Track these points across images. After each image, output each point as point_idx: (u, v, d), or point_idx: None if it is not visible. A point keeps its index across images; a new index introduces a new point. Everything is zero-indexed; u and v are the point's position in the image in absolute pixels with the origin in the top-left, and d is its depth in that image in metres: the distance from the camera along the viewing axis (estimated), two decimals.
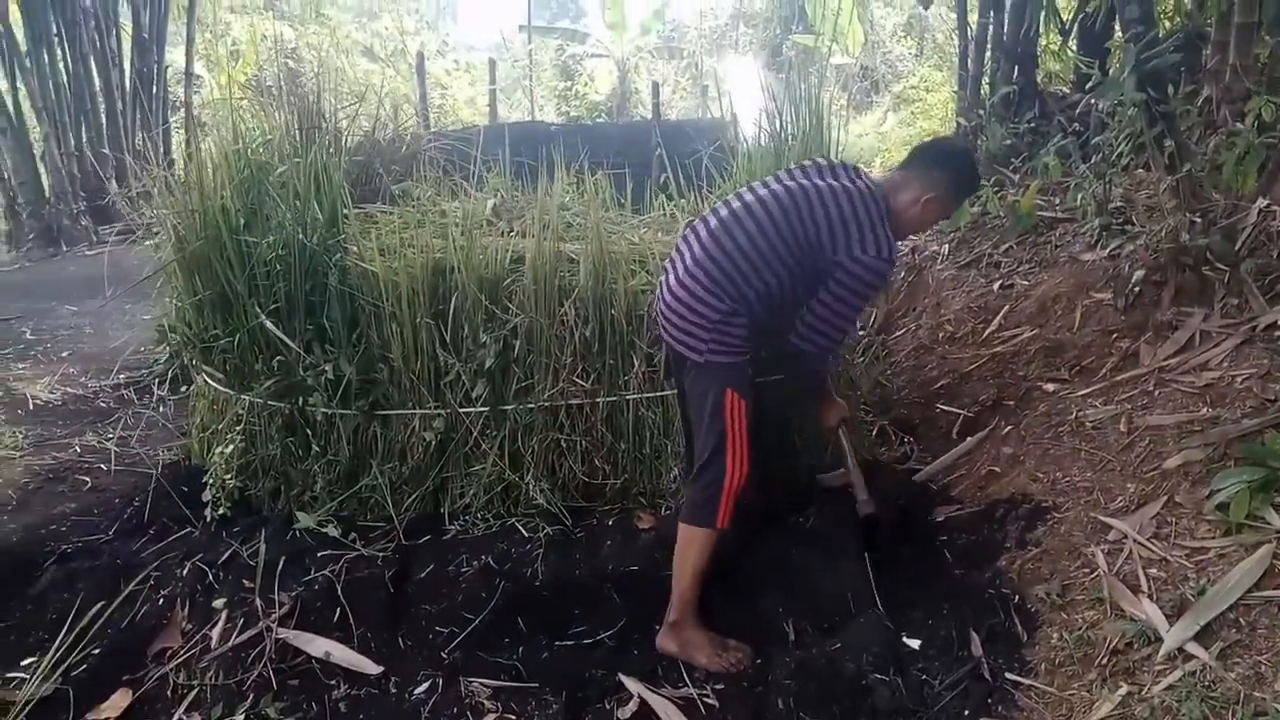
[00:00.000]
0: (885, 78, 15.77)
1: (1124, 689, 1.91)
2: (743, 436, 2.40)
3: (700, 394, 2.45)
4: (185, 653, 2.46)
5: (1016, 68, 5.67)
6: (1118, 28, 3.86)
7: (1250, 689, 1.76)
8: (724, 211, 2.48)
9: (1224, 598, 1.96)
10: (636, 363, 2.99)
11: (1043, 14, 5.61)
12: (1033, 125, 5.42)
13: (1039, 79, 5.83)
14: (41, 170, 8.51)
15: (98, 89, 8.80)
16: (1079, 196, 4.15)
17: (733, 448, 2.39)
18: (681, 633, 2.42)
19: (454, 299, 2.95)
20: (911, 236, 2.75)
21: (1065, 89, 5.93)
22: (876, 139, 12.05)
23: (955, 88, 7.09)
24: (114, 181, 8.19)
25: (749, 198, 2.47)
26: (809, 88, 3.31)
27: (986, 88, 6.01)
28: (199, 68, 10.60)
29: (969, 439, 3.30)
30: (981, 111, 5.74)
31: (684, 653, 2.40)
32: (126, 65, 9.18)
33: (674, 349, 2.51)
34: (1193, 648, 1.90)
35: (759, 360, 2.69)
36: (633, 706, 2.21)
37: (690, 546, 2.42)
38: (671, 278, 2.48)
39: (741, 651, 2.39)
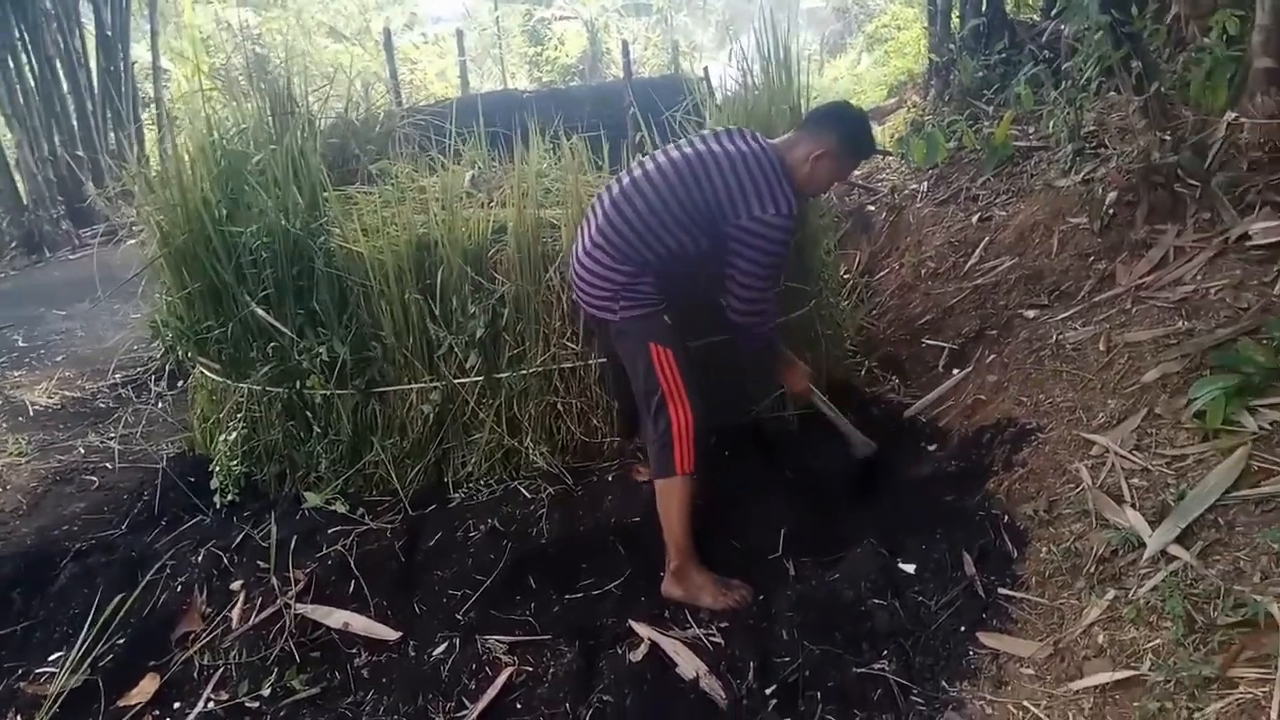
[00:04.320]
0: (858, 18, 15.65)
1: (1111, 594, 1.99)
2: (678, 383, 2.48)
3: (630, 355, 2.55)
4: (207, 635, 2.53)
5: None
6: None
7: (1230, 583, 1.83)
8: (626, 179, 2.54)
9: (1203, 500, 2.03)
10: None
11: None
12: (1004, 56, 5.42)
13: (1008, 8, 5.81)
14: (17, 177, 8.44)
15: (66, 91, 8.67)
16: (1051, 124, 4.17)
17: (672, 396, 2.47)
18: (684, 578, 2.50)
19: (440, 273, 2.98)
20: (811, 198, 2.83)
21: (1035, 17, 5.91)
22: (851, 81, 11.99)
23: (926, 23, 7.05)
24: (91, 183, 8.13)
25: (650, 165, 2.52)
26: (779, 36, 3.31)
27: (956, 21, 6.00)
28: (165, 61, 10.46)
29: (955, 373, 3.36)
30: (953, 45, 5.74)
31: (689, 596, 2.48)
32: (93, 65, 9.04)
33: (591, 314, 2.63)
34: (1175, 549, 1.98)
35: (703, 322, 2.79)
36: (643, 649, 2.29)
37: (668, 497, 2.51)
38: (579, 247, 2.58)
39: (744, 590, 2.47)
